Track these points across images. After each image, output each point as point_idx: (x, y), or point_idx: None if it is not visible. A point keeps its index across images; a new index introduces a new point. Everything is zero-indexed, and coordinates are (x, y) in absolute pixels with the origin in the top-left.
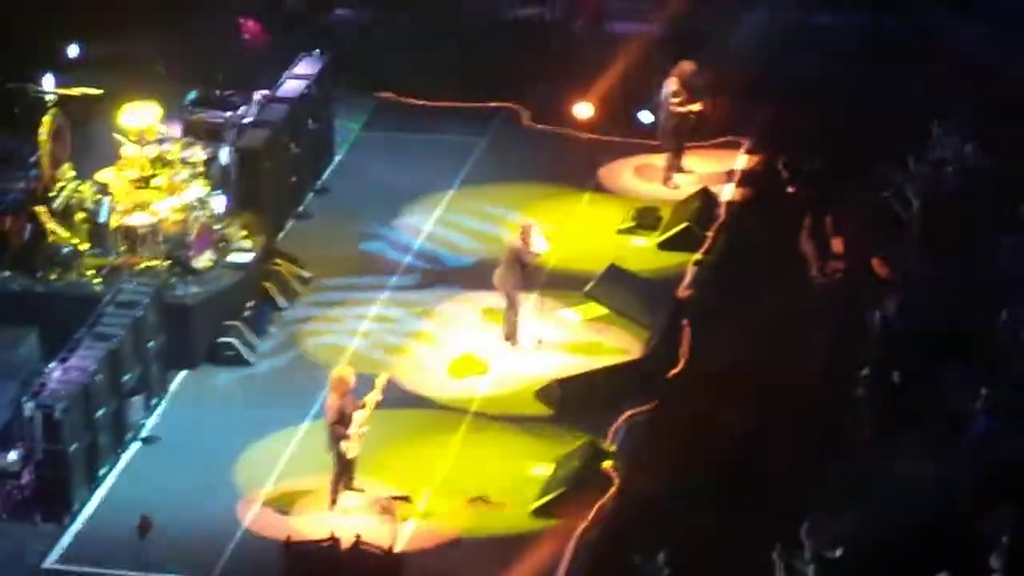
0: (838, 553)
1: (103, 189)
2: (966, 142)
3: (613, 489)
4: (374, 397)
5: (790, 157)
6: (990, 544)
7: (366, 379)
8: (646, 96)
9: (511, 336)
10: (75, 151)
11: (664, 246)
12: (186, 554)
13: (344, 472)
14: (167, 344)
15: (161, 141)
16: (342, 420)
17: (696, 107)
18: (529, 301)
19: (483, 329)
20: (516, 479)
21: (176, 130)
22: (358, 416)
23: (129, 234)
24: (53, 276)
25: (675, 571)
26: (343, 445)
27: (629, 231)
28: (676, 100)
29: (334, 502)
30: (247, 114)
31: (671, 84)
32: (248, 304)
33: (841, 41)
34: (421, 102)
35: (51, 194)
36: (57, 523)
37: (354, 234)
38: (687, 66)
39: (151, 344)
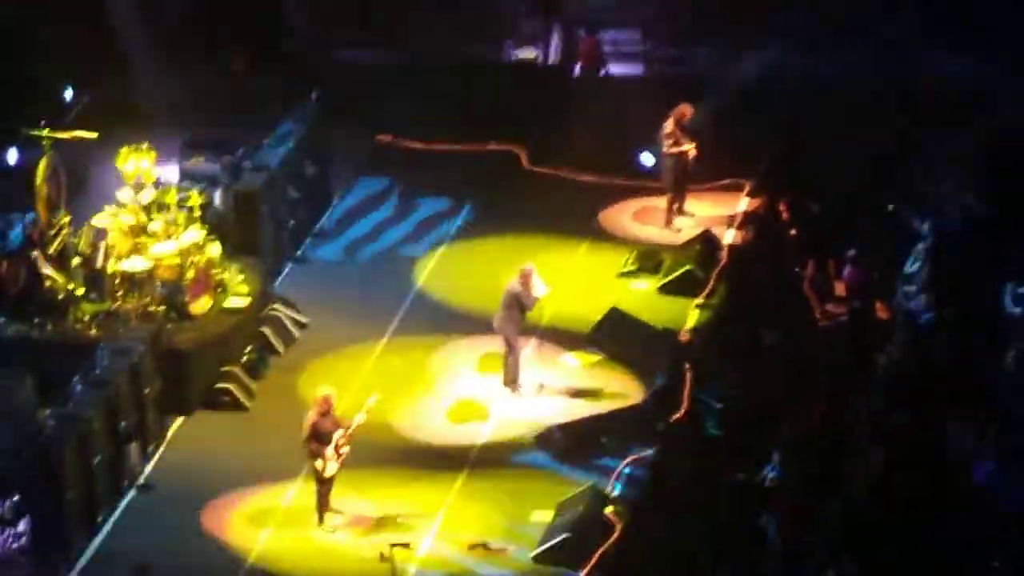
0: None
1: (99, 234)
2: (966, 186)
3: (615, 535)
4: (359, 419)
5: (792, 200)
6: None
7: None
8: (646, 138)
9: (512, 381)
10: (70, 195)
11: (665, 290)
12: None
13: (324, 490)
14: (164, 390)
15: (157, 185)
16: (318, 438)
17: (688, 148)
18: (529, 346)
19: (482, 375)
20: (517, 525)
21: (172, 174)
22: (337, 435)
23: (125, 279)
24: (49, 322)
25: None
26: (318, 463)
27: (630, 274)
28: (669, 141)
29: (321, 520)
30: (244, 158)
31: (666, 125)
32: (245, 349)
33: (843, 83)
34: (420, 144)
35: (47, 238)
36: (54, 572)
37: (352, 279)
38: (685, 108)
39: (147, 390)
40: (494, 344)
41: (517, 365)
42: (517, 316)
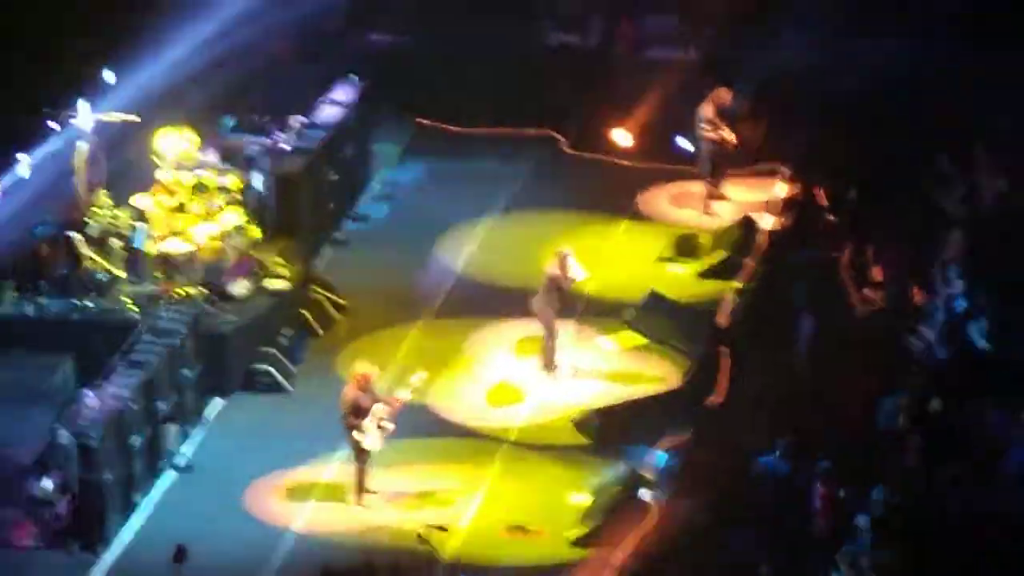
0: None
1: (139, 215)
2: (1002, 171)
3: (652, 518)
4: (403, 395)
5: (830, 185)
6: None
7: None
8: (685, 123)
9: (549, 364)
10: (111, 177)
11: (703, 274)
12: None
13: (364, 465)
14: (203, 372)
15: (197, 167)
16: (356, 412)
17: (728, 135)
18: (567, 329)
19: (520, 357)
20: (554, 508)
21: (213, 156)
22: (377, 409)
23: (165, 261)
24: (89, 303)
25: None
26: (356, 436)
27: (668, 259)
28: (708, 127)
29: (360, 496)
30: (285, 141)
31: (705, 111)
32: (284, 332)
33: (882, 66)
34: (459, 129)
35: (87, 220)
36: (93, 552)
37: (391, 261)
38: (723, 93)
39: (187, 372)
40: (532, 327)
41: (554, 349)
42: (555, 299)
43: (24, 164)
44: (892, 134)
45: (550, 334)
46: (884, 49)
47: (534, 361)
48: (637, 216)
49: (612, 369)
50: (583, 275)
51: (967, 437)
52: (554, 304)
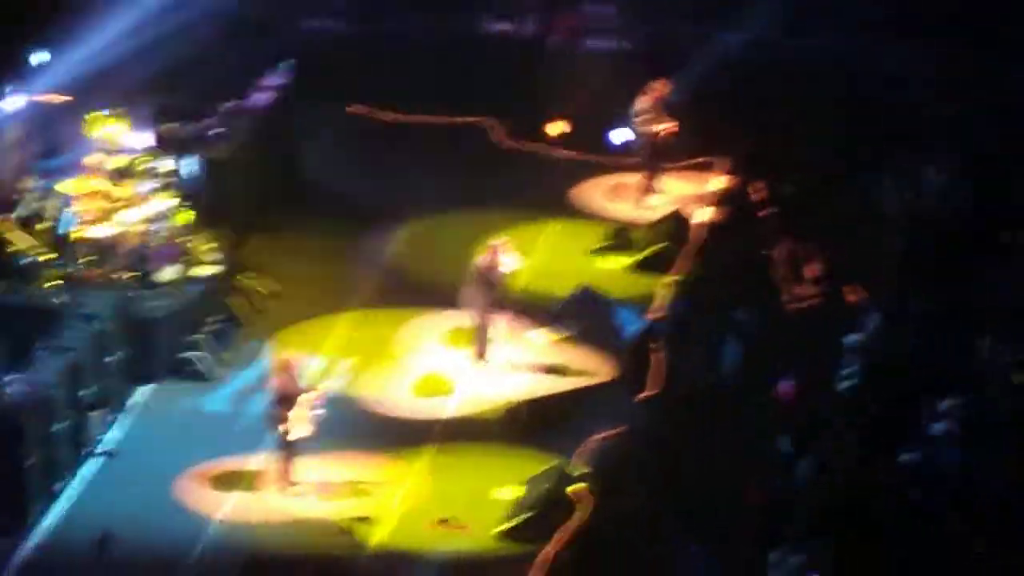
0: None
1: (66, 199)
2: (943, 169)
3: (580, 514)
4: (328, 384)
5: (766, 180)
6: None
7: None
8: (620, 115)
9: (480, 355)
10: (39, 159)
11: (637, 267)
12: (145, 570)
13: (290, 454)
14: (128, 358)
15: (127, 151)
16: (282, 401)
17: (663, 126)
18: (498, 322)
19: (449, 349)
20: (482, 501)
21: (143, 140)
22: (303, 399)
23: (92, 245)
24: (14, 287)
25: None
26: (282, 427)
27: (602, 252)
28: (642, 118)
29: (285, 484)
30: (215, 125)
31: (640, 102)
32: (212, 319)
33: (818, 62)
34: (393, 116)
35: (13, 203)
36: (13, 538)
37: (322, 249)
38: (660, 85)
39: (112, 358)
40: (461, 319)
41: (484, 340)
42: (484, 291)
43: None
44: (829, 130)
45: (481, 325)
46: (827, 46)
47: (463, 353)
48: (572, 208)
49: (542, 362)
50: (514, 265)
51: (900, 434)
52: (483, 296)
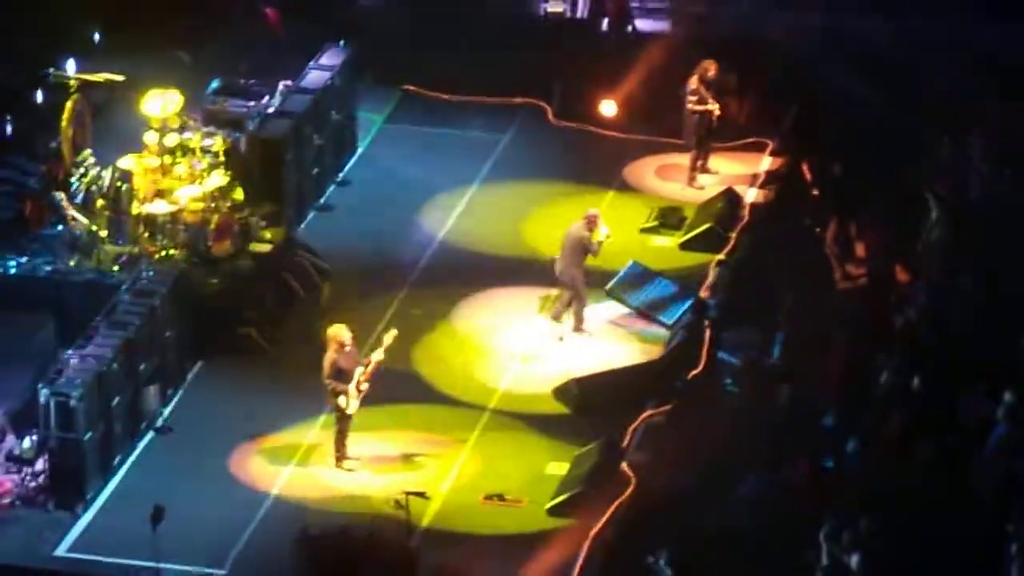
0: (855, 559)
1: (123, 176)
2: (988, 150)
3: (630, 489)
4: (377, 355)
5: (815, 160)
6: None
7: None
8: (671, 95)
9: (578, 323)
10: (96, 137)
11: (686, 246)
12: (199, 544)
13: (345, 428)
14: (184, 334)
15: (183, 129)
16: (338, 376)
17: (712, 107)
18: (552, 298)
19: (503, 325)
20: (533, 477)
21: (198, 118)
22: (358, 372)
23: (149, 222)
24: (71, 263)
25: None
26: (340, 400)
27: (652, 230)
28: (693, 99)
29: (339, 459)
30: (270, 104)
31: (690, 83)
32: (267, 295)
33: (868, 43)
34: (446, 96)
35: (71, 180)
36: (70, 511)
37: (375, 227)
38: (709, 66)
39: (168, 333)
40: (515, 294)
41: (583, 307)
42: (580, 260)
43: None
44: (879, 110)
45: (577, 295)
46: (878, 26)
47: (517, 328)
48: (622, 187)
49: (595, 339)
50: (607, 233)
51: (947, 413)
52: (580, 264)
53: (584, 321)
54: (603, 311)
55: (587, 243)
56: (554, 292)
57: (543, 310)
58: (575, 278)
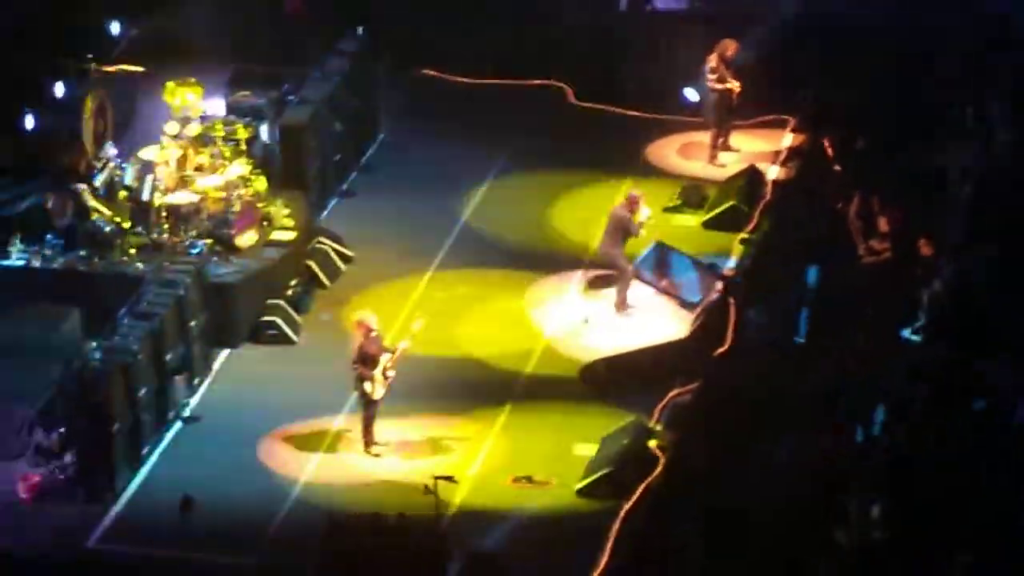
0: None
1: (146, 167)
2: (1014, 123)
3: (659, 468)
4: (403, 344)
5: (836, 136)
6: None
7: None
8: (692, 74)
9: (621, 304)
10: (117, 129)
11: (709, 224)
12: (228, 532)
13: (372, 414)
14: (209, 323)
15: (204, 118)
16: (364, 361)
17: (733, 85)
18: (578, 279)
19: (528, 308)
20: (562, 458)
21: (219, 108)
22: (383, 359)
23: (172, 212)
24: (95, 254)
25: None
26: (366, 385)
27: (674, 209)
28: (713, 76)
29: (367, 444)
30: (290, 91)
31: (710, 61)
32: (291, 283)
33: (886, 18)
34: (465, 79)
35: (94, 172)
36: (100, 503)
37: (398, 212)
38: (729, 44)
39: (193, 323)
40: (540, 278)
41: (626, 288)
42: (622, 241)
43: None
44: (900, 84)
45: (621, 274)
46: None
47: (540, 311)
48: (645, 167)
49: (620, 319)
50: (648, 214)
51: (974, 389)
52: (621, 245)
53: (627, 302)
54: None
55: (628, 224)
56: (591, 273)
57: (587, 293)
58: (616, 258)
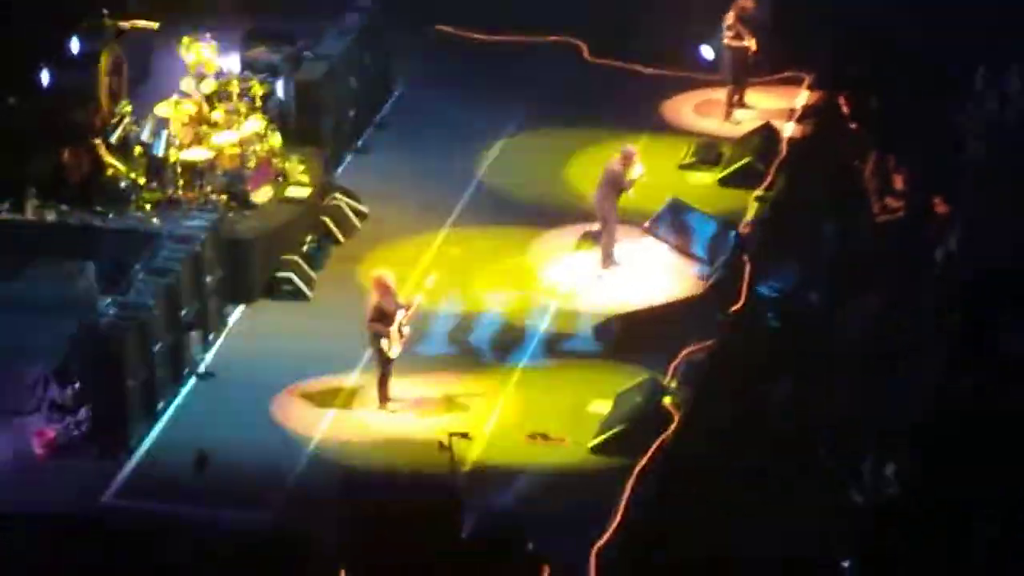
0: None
1: (161, 123)
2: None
3: (673, 426)
4: (417, 299)
5: (853, 93)
6: None
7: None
8: (708, 31)
9: (607, 258)
10: (132, 85)
11: (725, 182)
12: (243, 488)
13: (387, 371)
14: (224, 279)
15: (219, 75)
16: (381, 318)
17: (749, 42)
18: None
19: (542, 265)
20: (576, 415)
21: (234, 64)
22: (399, 316)
23: (187, 168)
24: (111, 210)
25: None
26: (383, 343)
27: (690, 166)
28: (730, 33)
29: (382, 402)
30: (306, 47)
31: (727, 18)
32: (306, 239)
33: None
34: (480, 36)
35: (109, 128)
36: (114, 459)
37: (413, 169)
38: (746, 1)
39: (208, 279)
40: (554, 235)
41: (612, 243)
42: (614, 195)
43: None
44: (916, 43)
45: (608, 229)
46: None
47: (555, 269)
48: (660, 124)
49: (634, 277)
50: (641, 172)
51: (987, 345)
52: (613, 199)
53: (612, 258)
54: (643, 248)
55: (620, 179)
56: (594, 227)
57: (581, 247)
58: (607, 212)
